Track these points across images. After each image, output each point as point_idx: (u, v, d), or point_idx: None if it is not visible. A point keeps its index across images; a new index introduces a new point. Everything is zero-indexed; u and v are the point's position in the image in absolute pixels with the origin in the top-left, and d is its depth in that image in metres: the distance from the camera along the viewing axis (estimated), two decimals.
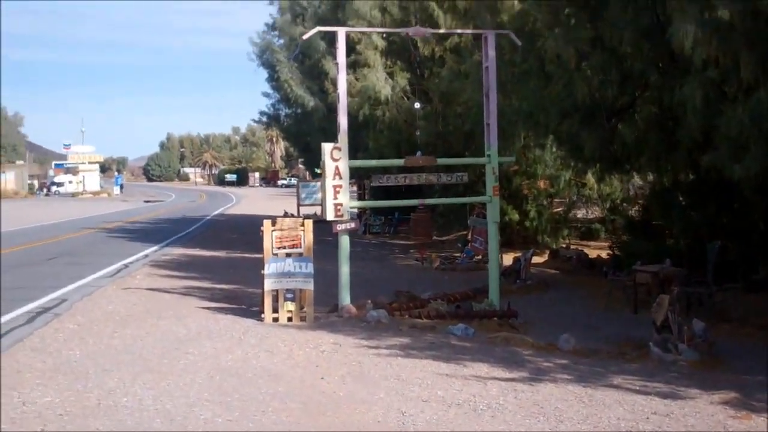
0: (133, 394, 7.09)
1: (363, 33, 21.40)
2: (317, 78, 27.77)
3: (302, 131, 35.44)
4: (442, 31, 18.17)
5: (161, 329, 10.35)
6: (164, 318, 11.19)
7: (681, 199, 15.14)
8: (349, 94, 20.59)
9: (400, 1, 22.79)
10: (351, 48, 21.08)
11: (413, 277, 17.44)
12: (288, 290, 11.00)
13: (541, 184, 21.29)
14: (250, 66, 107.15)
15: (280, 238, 11.14)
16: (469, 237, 19.27)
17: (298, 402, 6.99)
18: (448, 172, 13.65)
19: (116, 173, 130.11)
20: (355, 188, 39.85)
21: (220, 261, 20.29)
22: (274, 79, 34.00)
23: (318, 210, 28.97)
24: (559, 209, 22.96)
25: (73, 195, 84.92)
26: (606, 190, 21.73)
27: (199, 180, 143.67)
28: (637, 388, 7.60)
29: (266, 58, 33.98)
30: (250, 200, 67.40)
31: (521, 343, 9.89)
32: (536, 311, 12.91)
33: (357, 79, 22.44)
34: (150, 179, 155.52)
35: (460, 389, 7.46)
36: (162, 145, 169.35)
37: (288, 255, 11.13)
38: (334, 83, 12.56)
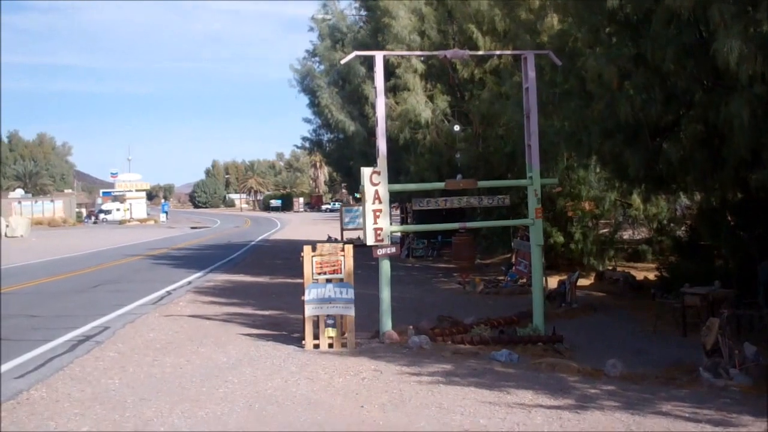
0: (170, 425, 7.07)
1: (402, 57, 21.41)
2: (357, 102, 27.82)
3: (344, 156, 35.53)
4: (480, 52, 18.10)
5: (201, 356, 10.35)
6: (205, 345, 11.20)
7: (729, 218, 14.83)
8: (390, 117, 20.62)
9: (439, 25, 22.80)
10: (391, 72, 21.11)
11: (456, 301, 17.27)
12: (329, 316, 10.94)
13: (586, 205, 20.98)
14: (292, 92, 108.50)
15: (320, 263, 11.09)
16: (514, 260, 19.04)
17: (337, 431, 6.87)
18: (489, 194, 13.55)
19: (163, 200, 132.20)
20: (398, 212, 40.15)
21: (263, 287, 20.32)
22: (315, 104, 34.15)
23: (361, 234, 28.93)
24: (605, 230, 22.60)
25: (121, 222, 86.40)
26: (652, 210, 21.44)
27: (245, 206, 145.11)
28: (687, 415, 7.36)
29: (307, 84, 34.20)
30: (295, 225, 67.79)
31: (567, 368, 9.67)
32: (582, 335, 12.68)
33: (397, 103, 22.44)
34: (196, 206, 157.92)
35: (504, 417, 7.29)
36: (207, 172, 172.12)
37: (328, 280, 11.07)
38: (374, 107, 12.53)
